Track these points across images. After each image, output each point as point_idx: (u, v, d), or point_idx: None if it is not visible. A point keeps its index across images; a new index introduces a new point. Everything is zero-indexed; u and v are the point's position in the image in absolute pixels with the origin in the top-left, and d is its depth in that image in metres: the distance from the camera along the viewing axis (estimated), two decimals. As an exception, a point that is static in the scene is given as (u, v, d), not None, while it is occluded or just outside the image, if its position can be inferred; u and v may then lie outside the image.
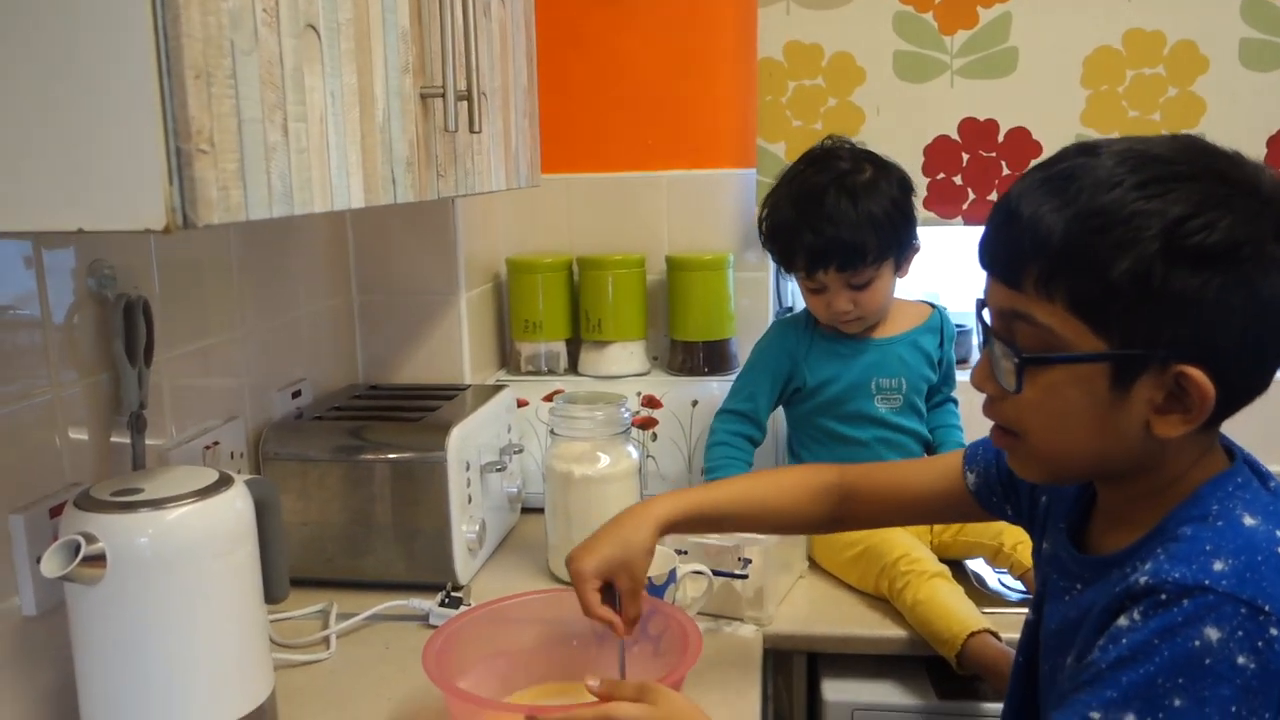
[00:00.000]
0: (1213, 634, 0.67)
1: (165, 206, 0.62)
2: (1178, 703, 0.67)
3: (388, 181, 0.92)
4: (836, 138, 1.48)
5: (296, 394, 1.46)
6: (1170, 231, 0.69)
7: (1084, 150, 0.76)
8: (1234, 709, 0.67)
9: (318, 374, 1.53)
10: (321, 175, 0.79)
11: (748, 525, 1.12)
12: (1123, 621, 0.71)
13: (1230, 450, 0.81)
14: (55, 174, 0.62)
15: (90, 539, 0.86)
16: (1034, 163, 0.80)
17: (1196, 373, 0.71)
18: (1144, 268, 0.69)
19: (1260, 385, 0.75)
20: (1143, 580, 0.71)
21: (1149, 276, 0.69)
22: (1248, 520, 0.73)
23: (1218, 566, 0.69)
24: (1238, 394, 0.74)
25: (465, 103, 1.03)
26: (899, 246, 1.43)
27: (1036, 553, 0.97)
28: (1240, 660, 0.67)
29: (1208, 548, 0.71)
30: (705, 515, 1.07)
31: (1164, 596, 0.69)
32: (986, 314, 0.81)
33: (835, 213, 1.38)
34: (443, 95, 1.00)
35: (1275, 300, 0.71)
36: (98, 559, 0.86)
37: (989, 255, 0.79)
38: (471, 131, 1.05)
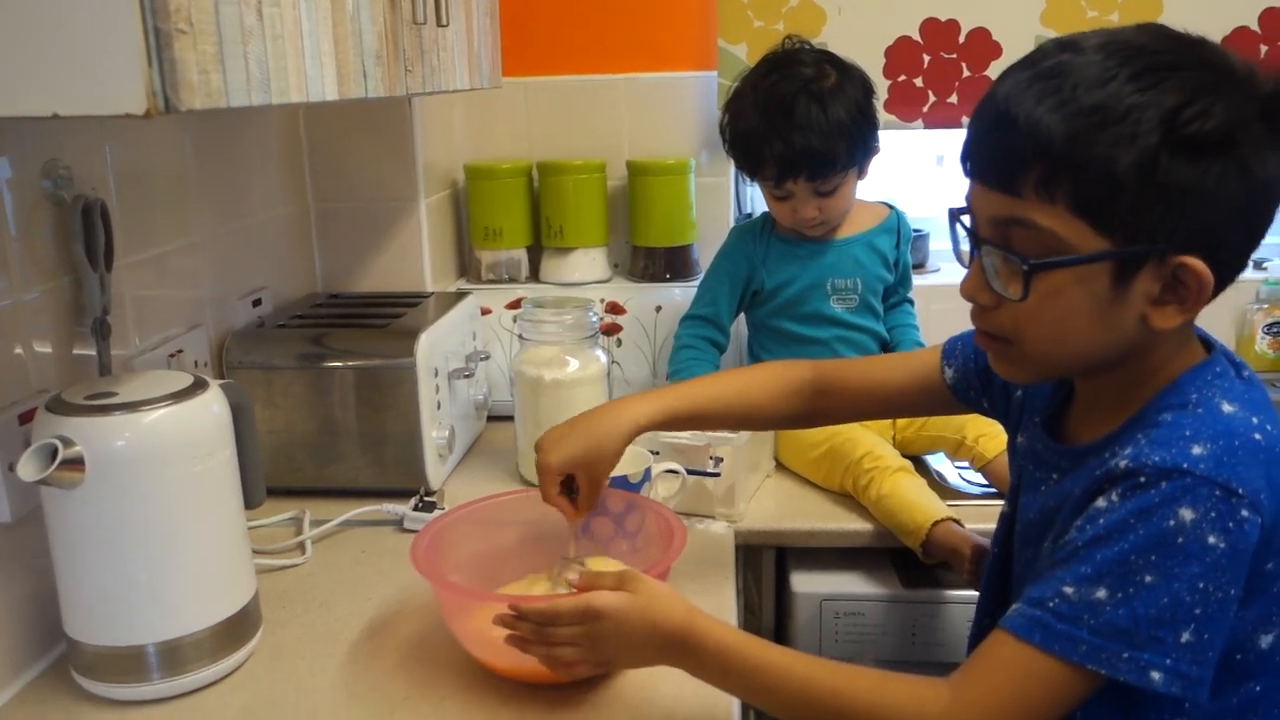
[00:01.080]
0: (1187, 514, 0.70)
1: (146, 89, 0.60)
2: (1148, 579, 0.70)
3: (359, 75, 0.89)
4: (795, 38, 1.47)
5: (257, 302, 1.43)
6: (1168, 122, 0.69)
7: (1065, 46, 0.75)
8: (1201, 585, 0.70)
9: (277, 283, 1.50)
10: (297, 64, 0.76)
11: (722, 423, 1.13)
12: (1100, 503, 0.74)
13: (1206, 341, 0.83)
14: (28, 58, 0.60)
15: (67, 442, 0.84)
16: (1010, 64, 0.78)
17: (1196, 262, 0.72)
18: (1147, 161, 0.70)
19: (1242, 267, 0.77)
20: (1122, 464, 0.73)
21: (1153, 169, 0.70)
22: (1225, 407, 0.76)
23: (1196, 451, 0.72)
24: (1226, 279, 0.75)
25: (432, -6, 1.00)
26: (864, 151, 1.43)
27: (1011, 446, 0.99)
28: (1211, 540, 0.70)
29: (1187, 433, 0.73)
30: (681, 416, 1.07)
31: (1142, 479, 0.72)
32: (969, 222, 0.80)
33: (805, 121, 1.37)
34: (410, -14, 0.97)
35: (1267, 182, 0.72)
36: (76, 462, 0.85)
37: (981, 162, 0.78)
38: (439, 25, 1.03)
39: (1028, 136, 0.72)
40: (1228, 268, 0.75)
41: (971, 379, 1.04)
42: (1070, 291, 0.75)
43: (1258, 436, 0.74)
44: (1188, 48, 0.74)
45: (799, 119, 1.37)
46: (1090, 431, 0.83)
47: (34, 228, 0.99)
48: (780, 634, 1.34)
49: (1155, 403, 0.78)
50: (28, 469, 0.83)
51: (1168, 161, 0.70)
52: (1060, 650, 0.72)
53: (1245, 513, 0.70)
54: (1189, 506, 0.70)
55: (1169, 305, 0.75)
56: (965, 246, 0.83)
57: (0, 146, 0.94)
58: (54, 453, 0.84)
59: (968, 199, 0.81)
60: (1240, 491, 0.70)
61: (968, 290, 0.81)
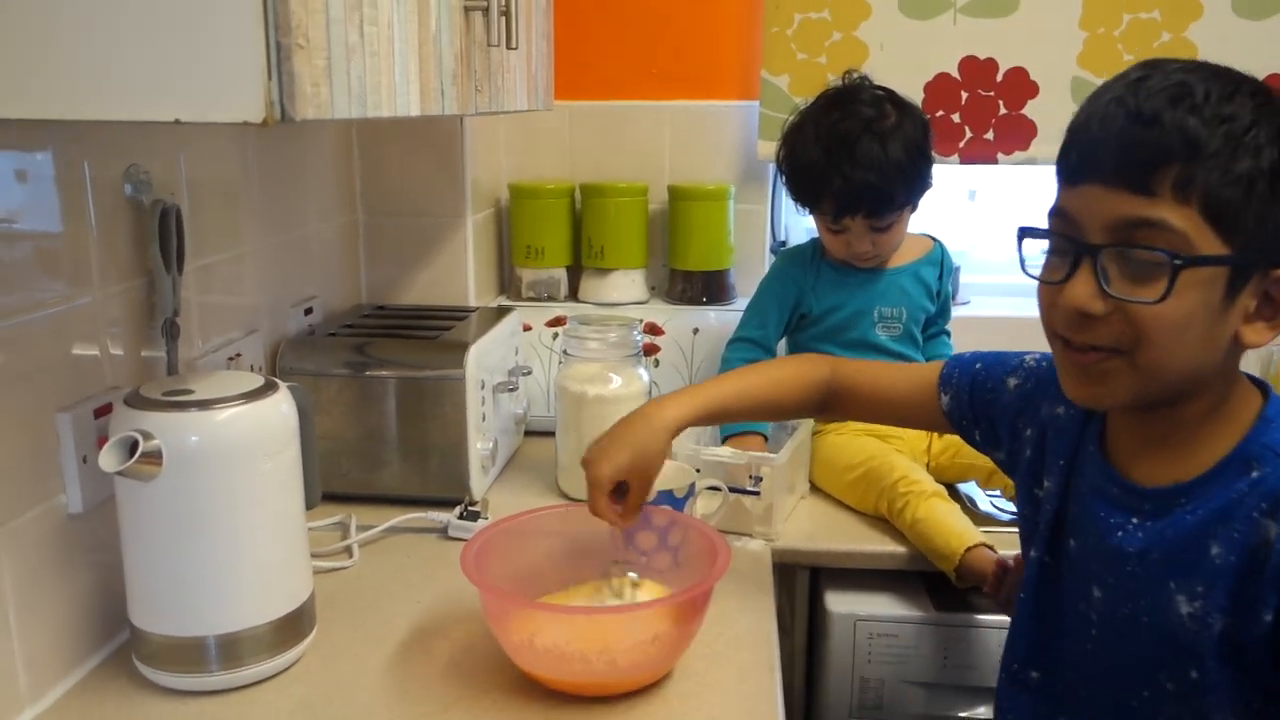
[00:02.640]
0: None
1: (264, 99, 0.63)
2: None
3: (438, 92, 0.93)
4: (855, 73, 1.50)
5: (308, 311, 1.46)
6: None
7: (1156, 66, 0.78)
8: None
9: (326, 292, 1.54)
10: (389, 80, 0.80)
11: (749, 417, 1.22)
12: None
13: (1257, 381, 0.87)
14: (153, 64, 0.64)
15: (147, 436, 0.88)
16: (1109, 80, 0.80)
17: None
18: (1274, 171, 0.74)
19: None
20: None
21: (1276, 180, 0.74)
22: None
23: None
24: None
25: (504, 18, 1.04)
26: (921, 190, 1.46)
27: (1034, 489, 0.99)
28: None
29: None
30: (714, 412, 1.13)
31: None
32: (1061, 226, 0.81)
33: (867, 160, 1.40)
34: (485, 10, 1.01)
35: None
36: (154, 455, 0.88)
37: (1108, 162, 0.77)
38: (509, 47, 1.07)
39: (1172, 135, 0.74)
40: None
41: (965, 410, 1.07)
42: (1191, 296, 0.76)
43: None
44: (1251, 80, 0.78)
45: (860, 157, 1.40)
46: (1162, 472, 0.85)
47: (114, 230, 1.02)
48: (813, 654, 1.36)
49: (1256, 437, 0.82)
50: (109, 460, 0.86)
51: None
52: None
53: None
54: None
55: (1259, 321, 0.78)
56: (1047, 260, 0.83)
57: (85, 151, 0.97)
58: (134, 445, 0.87)
59: (1062, 212, 0.81)
60: None
61: (1080, 298, 0.79)
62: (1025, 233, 0.85)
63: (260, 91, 0.63)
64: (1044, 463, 0.98)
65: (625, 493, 1.05)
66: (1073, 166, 0.80)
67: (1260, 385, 0.87)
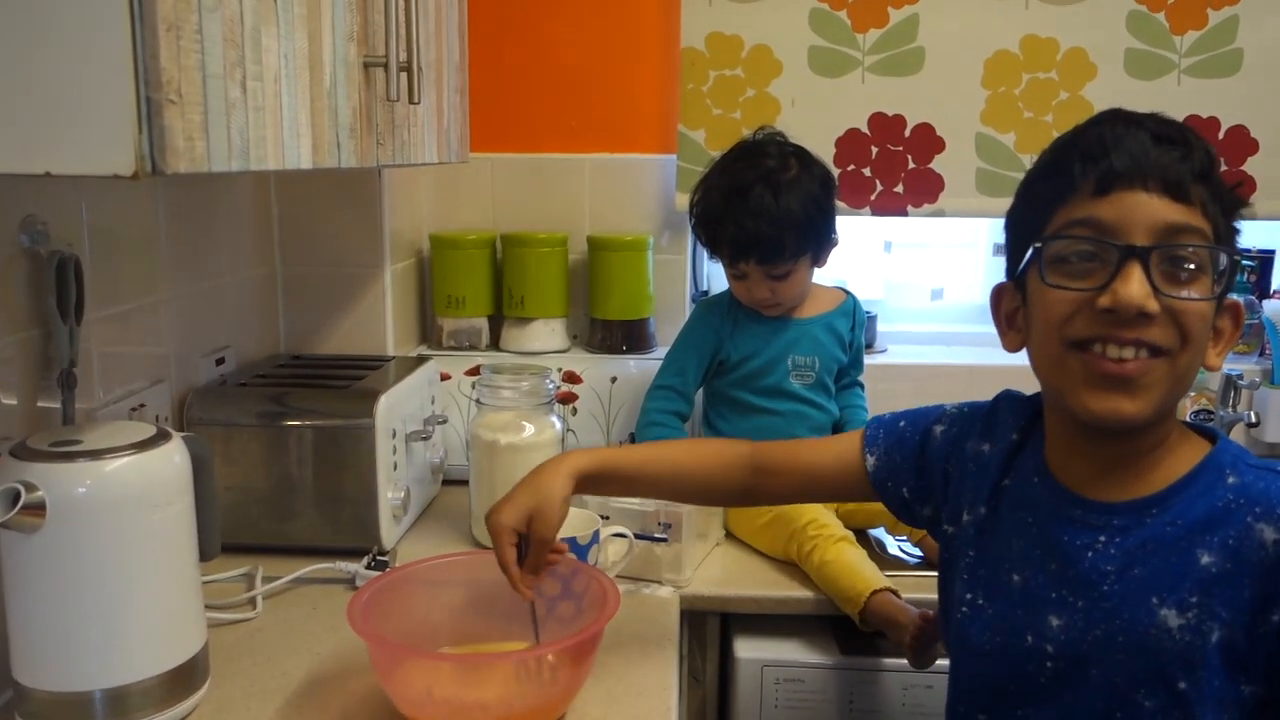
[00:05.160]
0: None
1: (135, 153, 0.64)
2: None
3: (333, 145, 0.95)
4: (768, 129, 1.55)
5: (220, 360, 1.46)
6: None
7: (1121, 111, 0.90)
8: None
9: (241, 342, 1.54)
10: (275, 134, 0.81)
11: (660, 489, 1.14)
12: None
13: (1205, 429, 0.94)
14: (23, 118, 0.64)
15: (30, 487, 0.87)
16: (1100, 111, 0.91)
17: (1237, 300, 0.88)
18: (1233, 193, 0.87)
19: None
20: None
21: (1238, 204, 0.88)
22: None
23: None
24: None
25: (405, 74, 1.06)
26: (817, 242, 1.50)
27: (952, 523, 1.01)
28: None
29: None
30: (619, 472, 1.09)
31: None
32: (1093, 233, 0.84)
33: (759, 208, 1.44)
34: (385, 65, 1.03)
35: None
36: (37, 507, 0.87)
37: (1153, 170, 0.83)
38: (411, 102, 1.09)
39: (1200, 153, 0.84)
40: None
41: (893, 467, 1.06)
42: (1210, 304, 0.86)
43: None
44: None
45: (752, 205, 1.45)
46: (1124, 492, 0.90)
47: (8, 280, 1.02)
48: (723, 699, 1.36)
49: (1216, 458, 0.89)
50: (-11, 512, 0.85)
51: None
52: None
53: None
54: None
55: (1220, 343, 0.88)
56: (1066, 268, 0.86)
57: (-19, 201, 0.97)
58: (16, 497, 0.86)
59: (1092, 220, 0.84)
60: None
61: (1139, 296, 0.81)
62: (1043, 242, 0.87)
63: (130, 145, 0.64)
64: (964, 499, 1.00)
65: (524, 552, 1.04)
66: (1107, 175, 0.84)
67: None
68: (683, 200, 1.78)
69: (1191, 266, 0.83)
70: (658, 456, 1.13)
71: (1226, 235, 0.87)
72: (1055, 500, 0.93)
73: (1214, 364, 0.88)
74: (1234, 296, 0.89)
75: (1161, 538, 0.87)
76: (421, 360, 1.59)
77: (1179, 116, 1.73)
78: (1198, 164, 0.84)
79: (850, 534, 1.37)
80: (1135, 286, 0.81)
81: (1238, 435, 1.79)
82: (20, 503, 0.86)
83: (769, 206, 1.44)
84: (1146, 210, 0.83)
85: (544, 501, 1.03)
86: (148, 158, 0.65)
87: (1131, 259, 0.82)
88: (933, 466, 1.05)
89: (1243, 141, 1.77)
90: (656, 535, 1.31)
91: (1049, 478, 0.94)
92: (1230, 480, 0.87)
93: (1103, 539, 0.89)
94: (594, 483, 1.09)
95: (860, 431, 1.11)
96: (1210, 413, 1.78)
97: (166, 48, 0.65)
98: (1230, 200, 0.87)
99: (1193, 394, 1.83)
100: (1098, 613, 0.88)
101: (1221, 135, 1.76)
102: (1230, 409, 1.76)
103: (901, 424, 1.09)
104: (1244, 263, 1.81)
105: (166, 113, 0.65)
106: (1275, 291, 1.87)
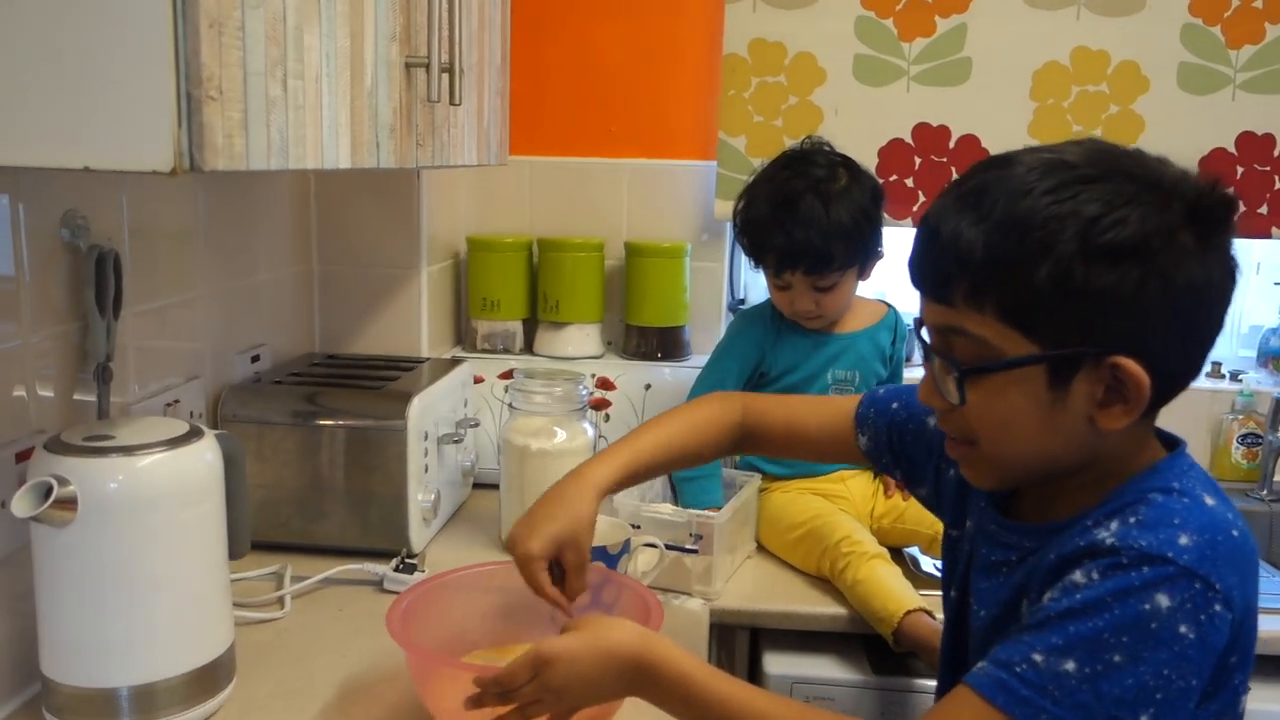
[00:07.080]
0: (1164, 601, 0.71)
1: (174, 149, 0.64)
2: (1117, 658, 0.71)
3: (372, 145, 0.94)
4: (815, 138, 1.53)
5: (255, 358, 1.46)
6: (1085, 232, 0.73)
7: (994, 164, 0.80)
8: (1165, 672, 0.71)
9: (276, 340, 1.54)
10: (315, 133, 0.81)
11: (672, 467, 1.17)
12: (1079, 577, 0.75)
13: (1173, 439, 0.86)
14: (64, 112, 0.64)
15: (62, 481, 0.87)
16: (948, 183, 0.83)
17: (1129, 363, 0.75)
18: (1064, 269, 0.73)
19: (1193, 369, 0.80)
20: (1109, 541, 0.75)
21: (1070, 277, 0.73)
22: (1208, 500, 0.78)
23: (1183, 541, 0.73)
24: (1172, 379, 0.78)
25: (447, 75, 1.06)
26: (864, 254, 1.48)
27: (956, 528, 0.99)
28: (1182, 629, 0.71)
29: (1176, 521, 0.75)
30: (636, 474, 1.09)
31: (1125, 560, 0.73)
32: (925, 332, 0.84)
33: (808, 218, 1.42)
34: (426, 66, 1.02)
35: (1190, 286, 0.75)
36: (69, 502, 0.87)
37: (919, 275, 0.82)
38: (452, 104, 1.08)
39: (951, 251, 0.77)
40: (1169, 369, 0.77)
41: (884, 450, 1.07)
42: (1010, 393, 0.78)
43: (1235, 533, 0.76)
44: (1112, 160, 0.77)
45: (802, 215, 1.42)
46: (1054, 511, 0.85)
47: (48, 274, 1.02)
48: (751, 716, 1.34)
49: (1137, 484, 0.80)
50: (21, 505, 0.85)
51: (1084, 269, 0.73)
52: (1021, 715, 0.72)
53: (1219, 608, 0.72)
54: (1167, 594, 0.72)
55: (1114, 406, 0.77)
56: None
57: (21, 194, 0.98)
58: (48, 491, 0.86)
59: (919, 309, 0.84)
60: (1218, 587, 0.72)
61: (921, 395, 0.85)
62: (917, 325, 0.87)
63: (169, 141, 0.63)
64: (965, 504, 0.98)
65: (559, 572, 1.01)
66: (909, 275, 0.84)
67: (1171, 442, 0.86)
68: (722, 207, 1.77)
69: (951, 367, 0.80)
70: (665, 443, 1.12)
71: (1033, 319, 0.76)
72: (986, 516, 0.92)
73: (1109, 428, 0.77)
74: (1119, 358, 0.75)
75: (1035, 565, 0.83)
76: (455, 363, 1.58)
77: (1233, 133, 1.74)
78: (950, 261, 0.77)
79: (884, 551, 1.34)
80: (921, 384, 0.85)
81: (1286, 460, 1.74)
82: (52, 497, 0.86)
83: (819, 216, 1.42)
84: (925, 311, 0.83)
85: (575, 525, 1.00)
86: (187, 154, 0.64)
87: (927, 355, 0.84)
88: (925, 459, 1.04)
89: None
90: (687, 546, 1.29)
91: (984, 500, 0.93)
92: (1129, 516, 0.77)
93: (1014, 558, 0.87)
94: (616, 490, 1.08)
95: (852, 406, 1.11)
96: (1259, 436, 1.73)
97: (208, 44, 0.64)
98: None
99: (1240, 417, 1.78)
100: (997, 633, 0.87)
101: (1277, 153, 1.71)
102: (1277, 433, 1.72)
103: (894, 406, 1.08)
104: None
105: (206, 109, 0.64)
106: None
